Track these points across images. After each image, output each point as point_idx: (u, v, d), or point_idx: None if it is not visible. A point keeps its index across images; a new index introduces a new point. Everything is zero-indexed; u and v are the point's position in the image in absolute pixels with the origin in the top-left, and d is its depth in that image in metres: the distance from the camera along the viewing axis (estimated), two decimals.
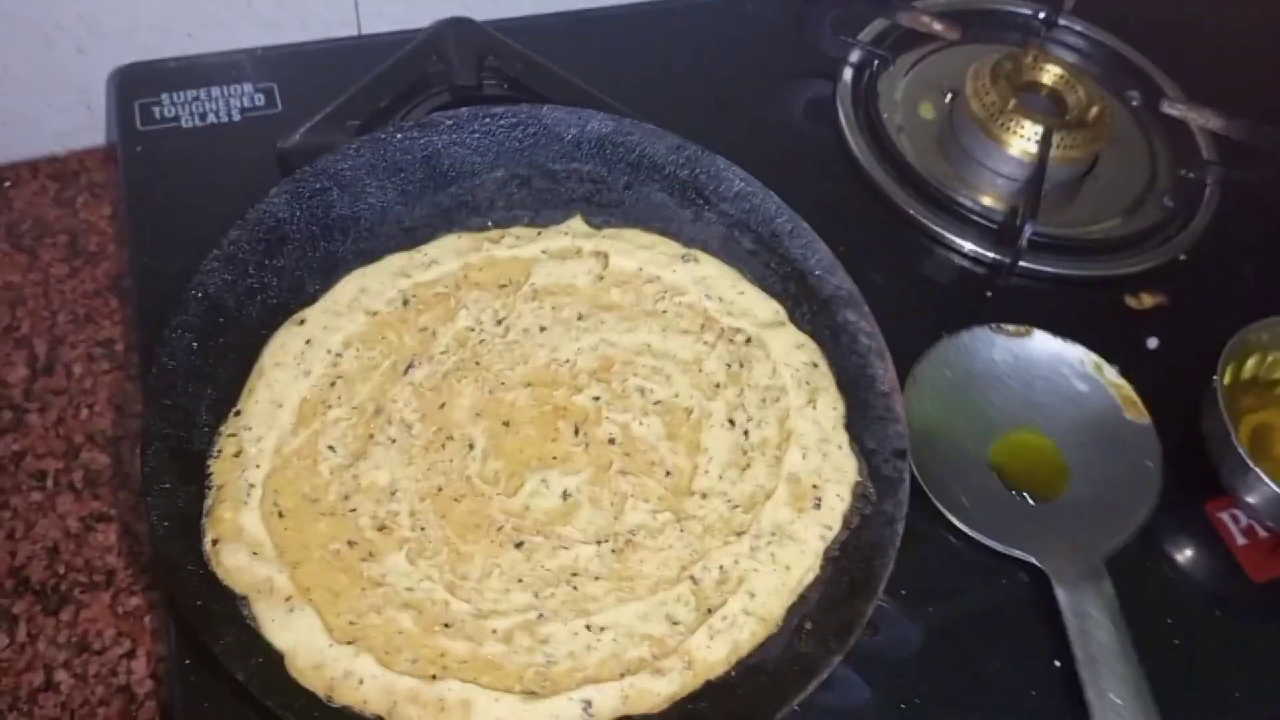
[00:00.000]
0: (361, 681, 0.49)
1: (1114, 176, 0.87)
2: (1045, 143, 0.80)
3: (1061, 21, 0.94)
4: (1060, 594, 0.62)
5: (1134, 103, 0.92)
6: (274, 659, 0.50)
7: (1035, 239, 0.77)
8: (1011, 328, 0.73)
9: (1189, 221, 0.84)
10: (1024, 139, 0.82)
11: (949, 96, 0.89)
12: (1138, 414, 0.70)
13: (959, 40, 0.89)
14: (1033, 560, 0.64)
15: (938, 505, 0.64)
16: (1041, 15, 0.95)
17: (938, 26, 0.87)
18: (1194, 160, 0.88)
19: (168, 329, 0.57)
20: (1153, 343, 0.77)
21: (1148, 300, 0.79)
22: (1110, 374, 0.72)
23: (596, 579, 0.55)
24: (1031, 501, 0.67)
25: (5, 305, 0.84)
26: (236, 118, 0.79)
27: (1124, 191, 0.86)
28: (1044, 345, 0.73)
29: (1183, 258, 0.82)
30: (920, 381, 0.69)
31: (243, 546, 0.53)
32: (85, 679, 0.69)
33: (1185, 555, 0.69)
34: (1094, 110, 0.84)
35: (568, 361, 0.63)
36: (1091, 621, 0.61)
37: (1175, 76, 0.93)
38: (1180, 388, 0.72)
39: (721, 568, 0.55)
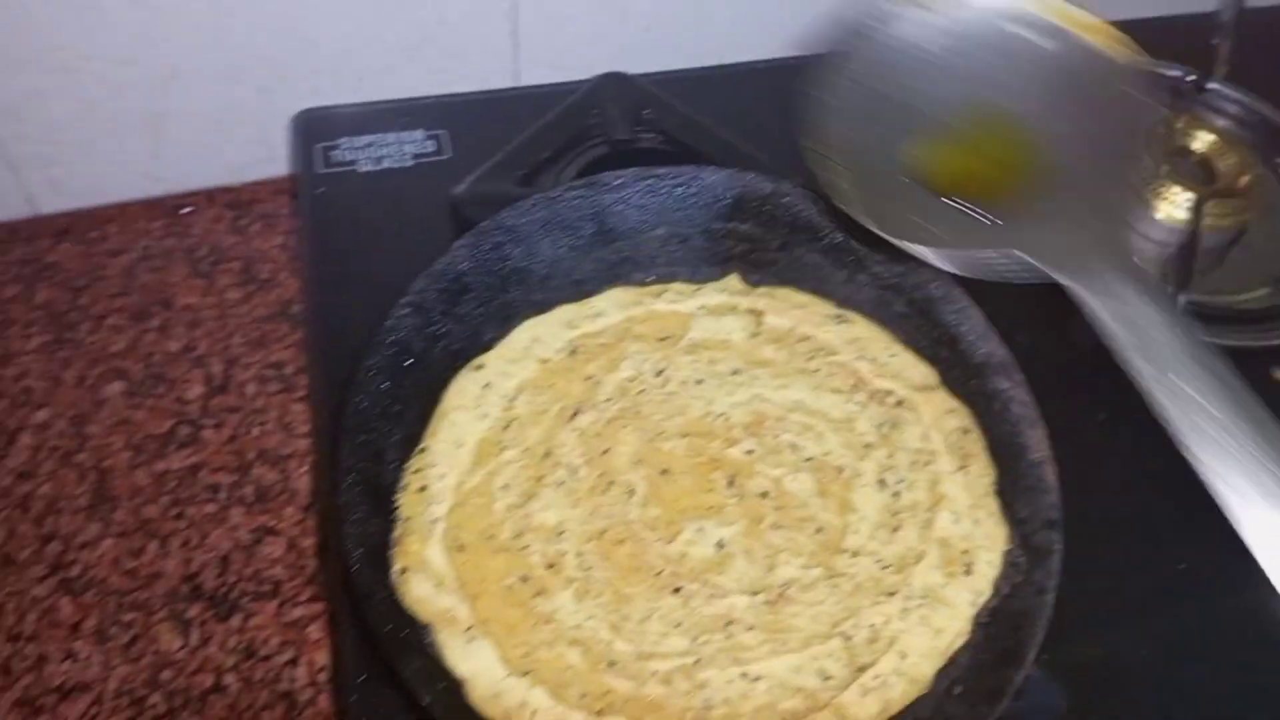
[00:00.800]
0: (535, 713, 0.53)
1: (1263, 245, 0.86)
2: (1197, 213, 0.80)
3: (1211, 85, 0.94)
4: (1096, 304, 0.55)
5: None
6: (454, 686, 0.54)
7: (1188, 310, 0.77)
8: None
9: None
10: (1173, 205, 0.82)
11: None
12: (1122, 50, 0.60)
13: None
14: (1040, 266, 0.56)
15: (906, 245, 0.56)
16: (1191, 78, 0.94)
17: None
18: None
19: (362, 369, 0.62)
20: None
21: None
22: (1081, 15, 0.60)
23: (750, 629, 0.57)
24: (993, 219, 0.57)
25: (184, 326, 0.90)
26: (409, 163, 0.85)
27: (1273, 261, 0.86)
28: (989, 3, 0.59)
29: None
30: (831, 98, 0.58)
31: (427, 577, 0.57)
32: (251, 683, 0.74)
33: None
34: (1245, 178, 0.84)
35: (722, 415, 0.66)
36: (1143, 322, 0.53)
37: None
38: None
39: (873, 626, 0.57)
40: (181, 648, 0.75)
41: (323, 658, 0.76)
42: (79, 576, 0.77)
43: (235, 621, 0.76)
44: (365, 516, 0.58)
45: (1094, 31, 0.59)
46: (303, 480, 0.83)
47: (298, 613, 0.77)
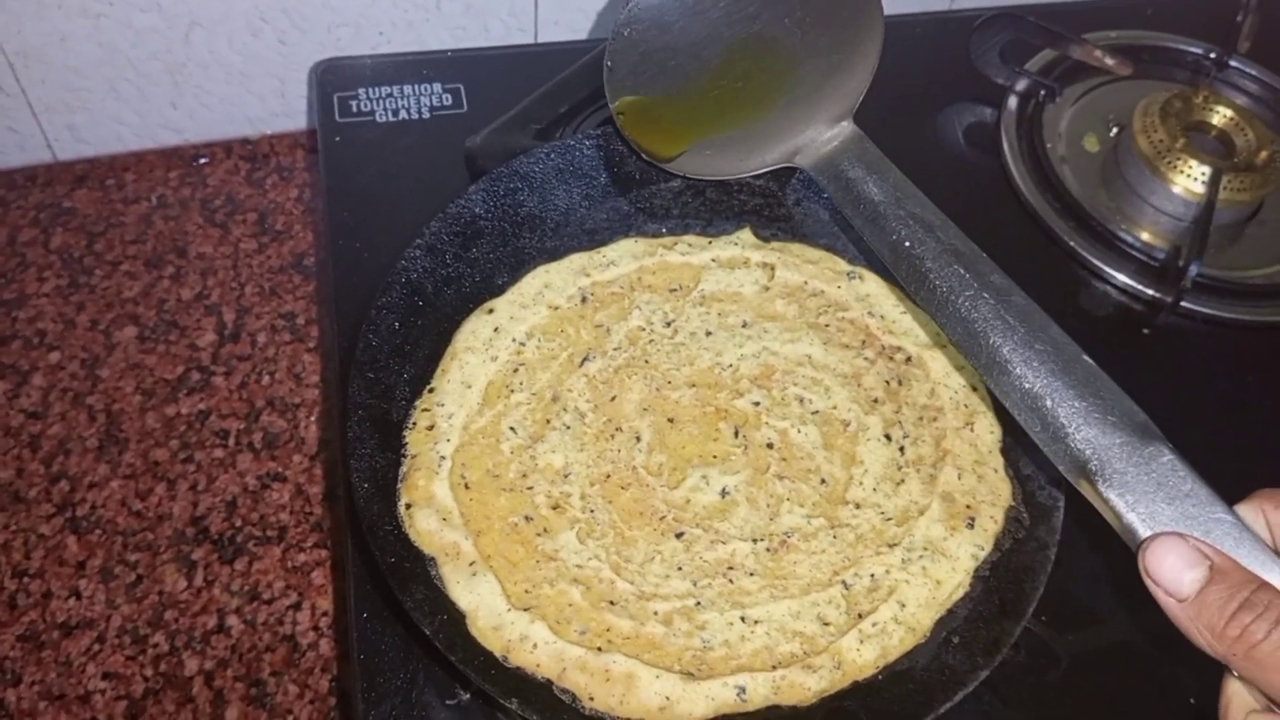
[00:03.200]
0: (535, 646, 0.53)
1: (1279, 222, 0.86)
2: (1214, 184, 0.80)
3: (1233, 63, 0.93)
4: (819, 178, 0.62)
5: None
6: (456, 618, 0.54)
7: (1197, 279, 0.77)
8: None
9: None
10: (1190, 178, 0.82)
11: (1114, 130, 0.89)
12: None
13: (1129, 76, 0.89)
14: (778, 166, 0.64)
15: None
16: (1213, 55, 0.94)
17: (1109, 61, 0.87)
18: None
19: (374, 308, 0.62)
20: None
21: None
22: None
23: (751, 574, 0.58)
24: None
25: (198, 274, 0.91)
26: (426, 115, 0.85)
27: None
28: None
29: None
30: (619, 64, 0.67)
31: (433, 512, 0.57)
32: (254, 626, 0.75)
33: None
34: (1264, 154, 0.84)
35: (731, 366, 0.66)
36: (856, 184, 0.59)
37: None
38: None
39: (873, 576, 0.58)
40: (186, 589, 0.76)
41: (326, 603, 0.76)
42: (86, 516, 0.78)
43: (240, 565, 0.77)
44: (373, 452, 0.59)
45: None
46: (311, 429, 0.83)
47: (302, 558, 0.78)
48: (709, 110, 0.68)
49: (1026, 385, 0.50)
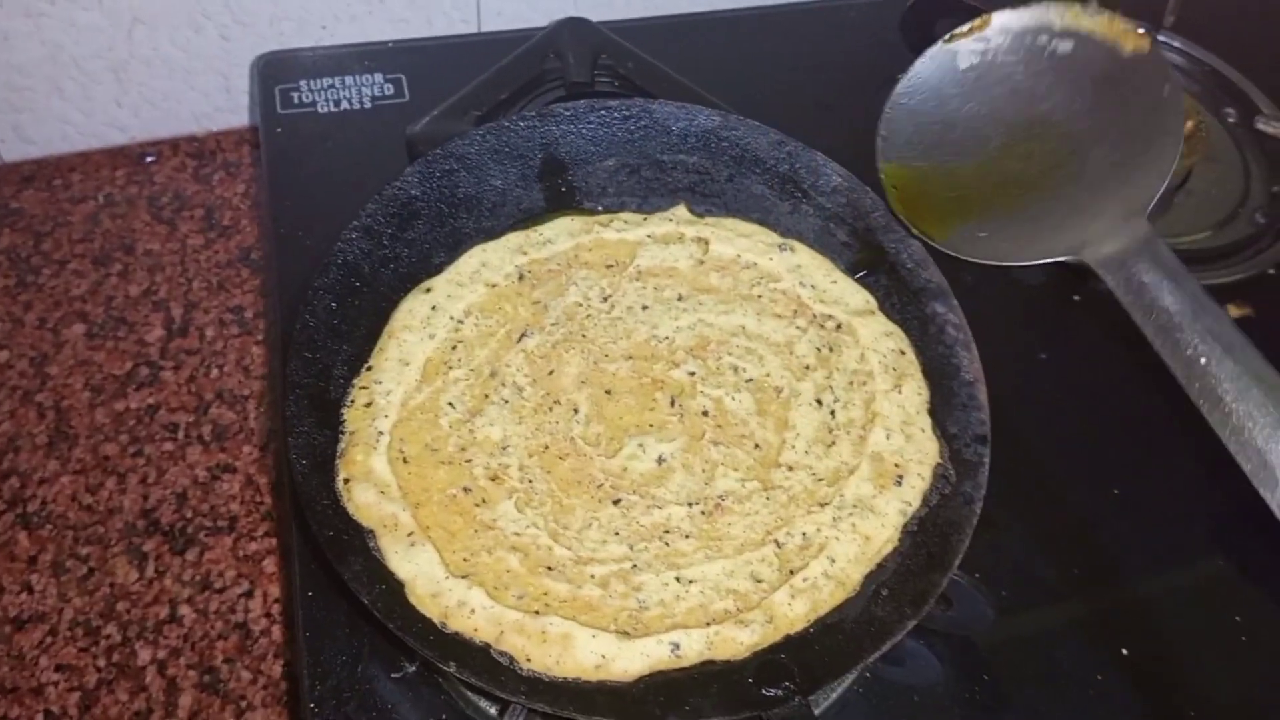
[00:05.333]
0: (473, 611, 0.54)
1: (1207, 191, 0.88)
2: None
3: (1160, 38, 0.96)
4: (1106, 277, 0.58)
5: (1230, 119, 0.93)
6: (395, 588, 0.55)
7: None
8: (965, 26, 0.64)
9: None
10: None
11: None
12: (1137, 43, 0.63)
13: None
14: (1064, 259, 0.59)
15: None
16: (1140, 30, 0.96)
17: None
18: None
19: (310, 289, 0.63)
20: None
21: (1235, 311, 0.81)
22: (1090, 18, 0.63)
23: (687, 537, 0.59)
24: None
25: (145, 271, 0.91)
26: (368, 105, 0.86)
27: (1217, 206, 0.88)
28: (1010, 25, 0.64)
29: (1271, 271, 0.83)
30: (895, 133, 0.63)
31: (372, 486, 0.58)
32: (206, 614, 0.75)
33: None
34: (1189, 124, 0.86)
35: (667, 339, 0.67)
36: (1150, 289, 0.55)
37: (1272, 95, 0.94)
38: None
39: (804, 534, 0.59)
40: (137, 580, 0.76)
41: (277, 590, 0.77)
42: (37, 511, 0.78)
43: (191, 555, 0.77)
44: (311, 429, 0.59)
45: (1104, 25, 0.63)
46: (261, 420, 0.84)
47: (253, 547, 0.78)
48: (986, 189, 0.65)
49: None
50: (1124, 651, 0.64)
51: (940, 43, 0.64)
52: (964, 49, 0.63)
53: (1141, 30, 0.62)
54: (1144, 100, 0.61)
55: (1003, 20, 0.62)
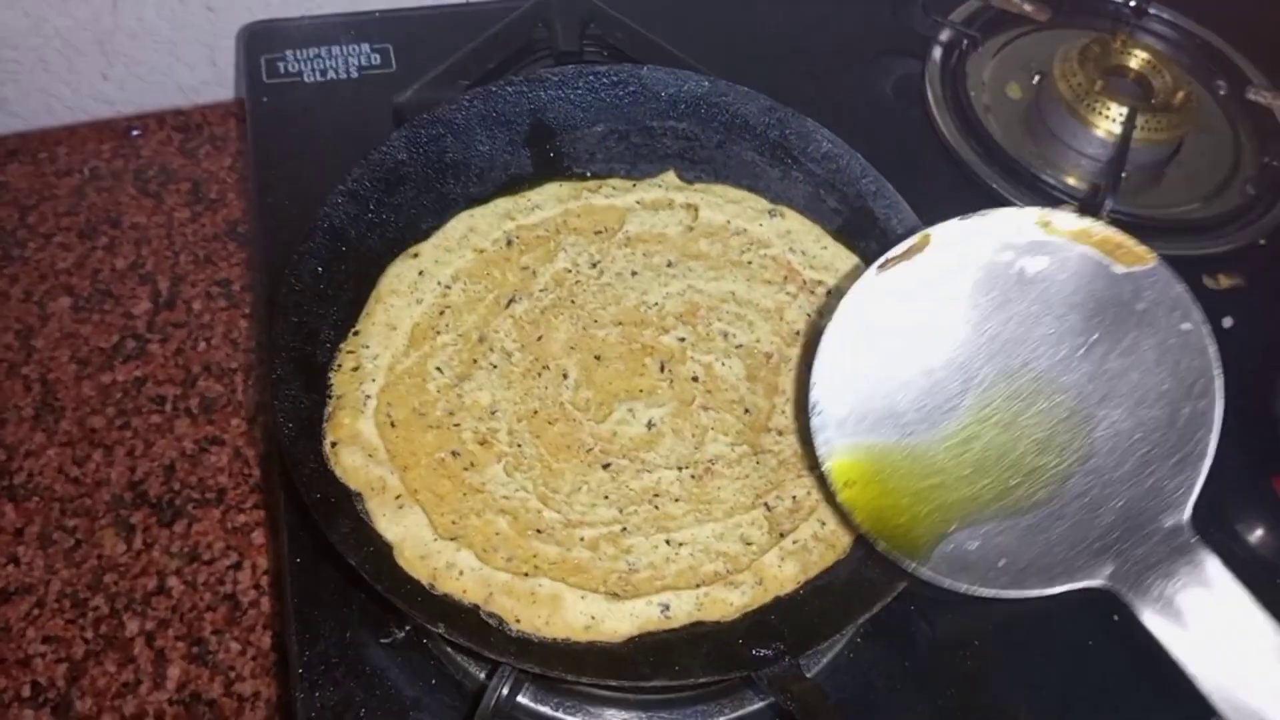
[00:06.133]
0: (461, 573, 0.54)
1: (1198, 162, 0.88)
2: (1129, 123, 0.82)
3: (1151, 10, 0.96)
4: (1143, 611, 0.45)
5: (1220, 91, 0.93)
6: (383, 550, 0.55)
7: (1117, 218, 0.79)
8: (900, 248, 0.48)
9: (1270, 208, 0.85)
10: (1109, 120, 0.84)
11: (1036, 78, 0.91)
12: (1132, 258, 0.46)
13: (1048, 24, 0.91)
14: (1088, 584, 0.48)
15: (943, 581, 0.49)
16: (1132, 3, 0.96)
17: (1028, 8, 0.89)
18: (1278, 148, 0.89)
19: (296, 254, 0.62)
20: (1228, 322, 0.78)
21: (1225, 281, 0.81)
22: (1068, 223, 0.47)
23: (676, 500, 0.59)
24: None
25: (132, 244, 0.91)
26: (354, 75, 0.85)
27: (1207, 177, 0.88)
28: (955, 240, 0.47)
29: (1262, 242, 0.83)
30: (831, 400, 0.48)
31: (359, 449, 0.58)
32: (195, 586, 0.75)
33: (1255, 534, 0.69)
34: (1180, 95, 0.86)
35: (656, 304, 0.67)
36: (1208, 626, 0.42)
37: (1262, 66, 0.94)
38: (1254, 367, 0.73)
39: (794, 498, 0.59)
40: (125, 552, 0.76)
41: (266, 562, 0.76)
42: (23, 484, 0.77)
43: (179, 527, 0.77)
44: (298, 393, 0.59)
45: (1086, 236, 0.46)
46: (249, 393, 0.83)
47: (242, 519, 0.78)
48: (963, 473, 0.49)
49: None
50: (1115, 618, 0.64)
51: (872, 271, 0.48)
52: (902, 278, 0.46)
53: (1138, 245, 0.45)
54: (1157, 339, 0.46)
55: (945, 235, 0.47)
